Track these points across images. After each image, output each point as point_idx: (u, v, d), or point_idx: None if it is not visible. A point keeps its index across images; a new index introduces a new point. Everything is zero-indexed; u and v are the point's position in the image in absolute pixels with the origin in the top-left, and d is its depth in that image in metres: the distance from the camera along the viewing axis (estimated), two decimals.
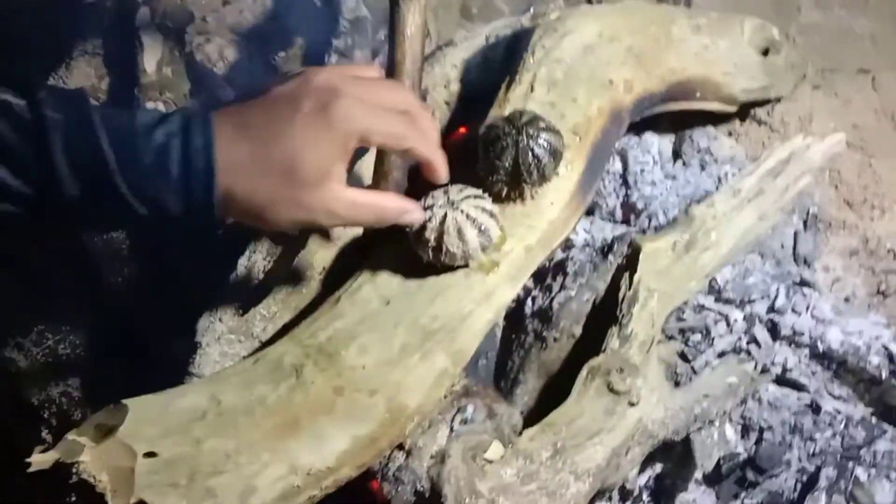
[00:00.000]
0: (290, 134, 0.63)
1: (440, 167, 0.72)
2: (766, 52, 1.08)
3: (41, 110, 0.59)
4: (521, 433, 0.81)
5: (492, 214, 0.76)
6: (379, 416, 0.71)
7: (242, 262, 0.85)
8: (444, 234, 0.73)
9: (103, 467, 0.61)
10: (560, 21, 0.90)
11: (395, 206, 0.72)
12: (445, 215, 0.73)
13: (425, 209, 0.74)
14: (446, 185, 0.75)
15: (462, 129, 1.01)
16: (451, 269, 0.77)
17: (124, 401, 0.66)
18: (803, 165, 0.92)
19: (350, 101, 0.65)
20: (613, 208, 1.06)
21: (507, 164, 0.78)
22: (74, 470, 0.61)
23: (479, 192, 0.77)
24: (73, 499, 0.63)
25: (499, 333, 0.96)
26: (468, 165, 0.85)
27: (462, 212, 0.74)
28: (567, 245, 0.99)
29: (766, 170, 0.91)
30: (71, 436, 0.64)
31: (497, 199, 0.80)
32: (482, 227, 0.75)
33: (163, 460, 0.63)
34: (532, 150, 0.77)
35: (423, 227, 0.74)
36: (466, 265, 0.77)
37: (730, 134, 1.18)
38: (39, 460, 0.63)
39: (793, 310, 0.98)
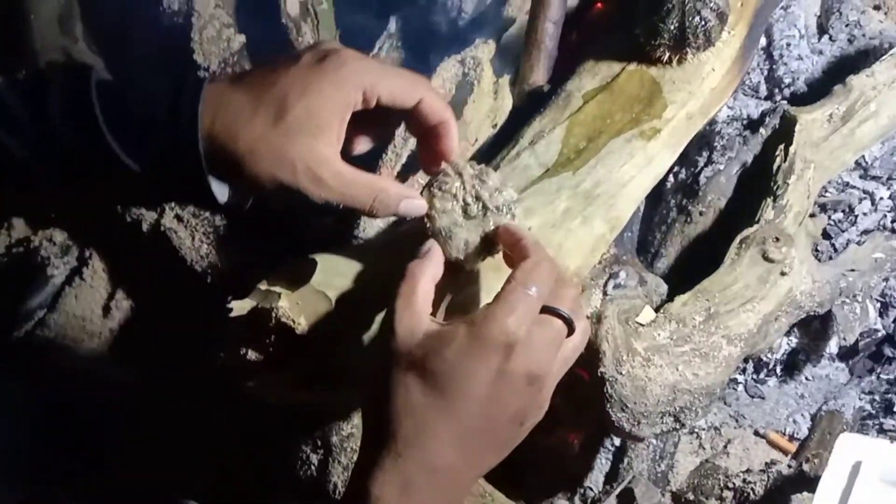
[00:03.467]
0: (283, 79, 0.58)
1: (452, 132, 0.62)
2: None
3: (42, 76, 0.59)
4: (671, 299, 0.83)
5: (512, 212, 0.63)
6: None
7: (398, 133, 0.86)
8: (449, 250, 0.62)
9: (301, 312, 0.66)
10: None
11: (396, 192, 0.60)
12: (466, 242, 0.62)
13: (430, 194, 0.62)
14: (455, 167, 0.63)
15: (599, 5, 0.99)
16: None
17: (312, 255, 0.70)
18: None
19: (353, 54, 0.59)
20: (757, 84, 1.04)
21: (671, 27, 0.76)
22: (274, 314, 0.66)
23: (503, 192, 0.63)
24: (271, 341, 0.68)
25: (641, 208, 0.96)
26: (615, 36, 0.84)
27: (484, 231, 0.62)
28: (711, 120, 0.97)
29: None
30: (263, 286, 0.69)
31: (657, 62, 0.79)
32: (496, 248, 0.62)
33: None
34: (699, 12, 0.75)
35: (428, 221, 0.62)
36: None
37: (877, 8, 1.12)
38: (239, 306, 0.67)
39: None
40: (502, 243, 0.62)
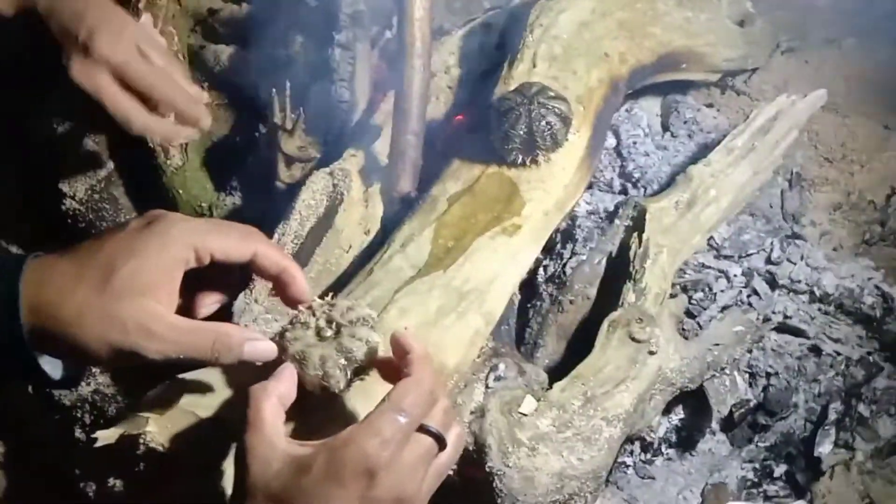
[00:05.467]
0: (109, 245, 0.57)
1: (298, 279, 0.61)
2: (741, 24, 1.15)
3: None
4: (549, 387, 0.85)
5: (368, 342, 0.62)
6: None
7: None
8: (307, 371, 0.60)
9: (170, 434, 0.64)
10: (554, 0, 0.95)
11: (239, 335, 0.58)
12: (322, 357, 0.60)
13: (282, 337, 0.61)
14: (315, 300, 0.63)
15: (460, 117, 1.06)
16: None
17: (180, 376, 0.69)
18: (790, 121, 0.99)
19: (181, 217, 0.59)
20: (611, 180, 1.12)
21: (521, 132, 0.82)
22: (141, 440, 0.64)
23: (355, 308, 0.63)
24: (141, 468, 0.65)
25: (516, 302, 1.00)
26: (474, 144, 0.90)
27: (339, 344, 0.61)
28: (572, 215, 1.04)
29: (756, 127, 0.97)
30: (130, 413, 0.66)
31: (512, 165, 0.84)
32: (353, 362, 0.61)
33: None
34: (544, 117, 0.82)
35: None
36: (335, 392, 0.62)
37: (711, 105, 1.25)
38: (105, 436, 0.65)
39: (788, 260, 1.05)
40: (392, 352, 0.61)
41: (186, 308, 0.60)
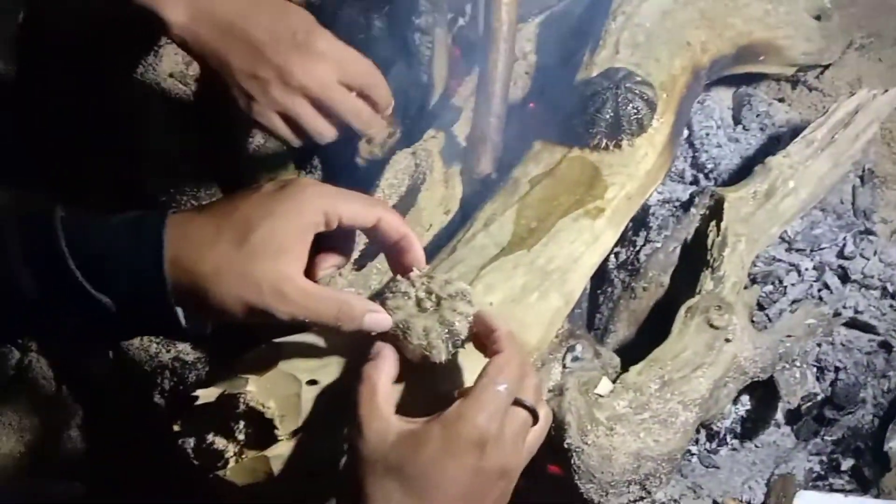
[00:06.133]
0: (245, 206, 0.59)
1: (416, 246, 0.64)
2: (818, 18, 1.14)
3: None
4: (626, 370, 0.86)
5: (467, 316, 0.63)
6: None
7: None
8: (410, 340, 0.62)
9: (269, 395, 0.66)
10: None
11: (361, 306, 0.61)
12: (425, 328, 0.62)
13: (384, 305, 0.63)
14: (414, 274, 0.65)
15: (531, 105, 1.07)
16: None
17: (276, 340, 0.71)
18: (871, 115, 0.98)
19: (312, 182, 0.62)
20: (682, 170, 1.12)
21: (607, 116, 0.83)
22: (242, 400, 0.66)
23: (452, 283, 0.64)
24: (241, 428, 0.67)
25: (587, 287, 1.01)
26: (555, 127, 0.91)
27: (441, 316, 0.62)
28: (644, 203, 1.04)
29: (836, 120, 0.97)
30: (230, 372, 0.69)
31: (596, 149, 0.85)
32: (455, 335, 0.62)
33: (323, 386, 0.67)
34: (631, 101, 0.83)
35: (397, 338, 0.62)
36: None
37: (782, 100, 1.24)
38: (206, 394, 0.67)
39: (861, 255, 1.04)
40: (476, 330, 0.63)
41: (308, 269, 0.62)
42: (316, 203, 0.59)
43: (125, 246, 0.58)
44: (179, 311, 0.59)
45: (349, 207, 0.60)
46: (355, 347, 0.66)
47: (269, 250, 0.57)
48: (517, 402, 0.58)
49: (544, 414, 0.61)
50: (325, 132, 0.80)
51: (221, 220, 0.58)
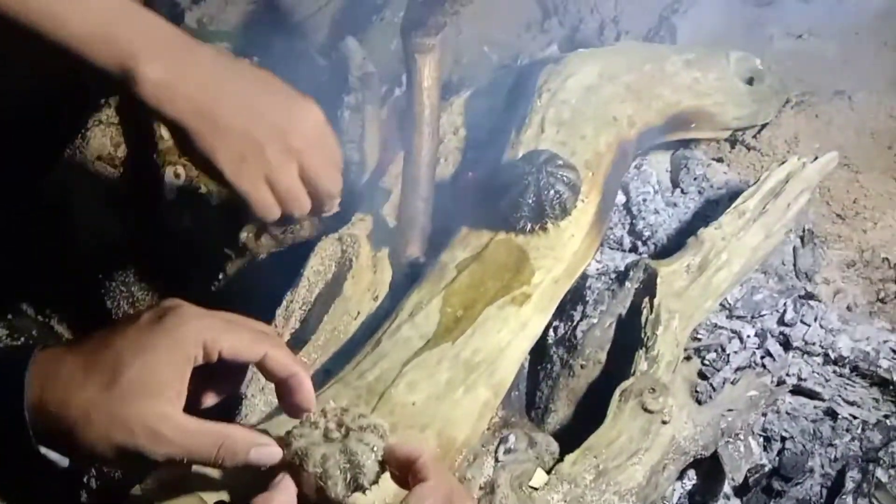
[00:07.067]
0: (118, 341, 0.57)
1: (305, 386, 0.60)
2: (750, 81, 1.15)
3: None
4: (560, 459, 0.84)
5: (374, 450, 0.60)
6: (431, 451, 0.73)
7: (279, 313, 0.88)
8: (306, 468, 0.58)
9: None
10: (562, 64, 0.96)
11: (246, 440, 0.57)
12: (324, 455, 0.58)
13: (288, 434, 0.60)
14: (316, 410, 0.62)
15: (470, 174, 1.06)
16: None
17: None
18: (802, 184, 0.98)
19: (194, 311, 0.58)
20: (620, 238, 1.11)
21: (530, 201, 0.82)
22: None
23: (368, 417, 0.62)
24: None
25: (526, 366, 0.99)
26: (482, 210, 0.90)
27: (345, 446, 0.59)
28: (582, 275, 1.03)
29: (767, 190, 0.97)
30: (136, 491, 0.66)
31: (521, 233, 0.84)
32: (357, 468, 0.59)
33: None
34: (553, 186, 0.81)
35: (295, 467, 0.59)
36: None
37: (720, 160, 1.24)
38: None
39: (802, 321, 1.03)
40: (396, 464, 0.59)
41: (194, 396, 0.59)
42: (194, 336, 0.57)
43: None
44: (51, 452, 0.56)
45: (231, 342, 0.58)
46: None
47: (142, 389, 0.55)
48: None
49: None
50: (305, 206, 0.74)
51: (92, 357, 0.56)
